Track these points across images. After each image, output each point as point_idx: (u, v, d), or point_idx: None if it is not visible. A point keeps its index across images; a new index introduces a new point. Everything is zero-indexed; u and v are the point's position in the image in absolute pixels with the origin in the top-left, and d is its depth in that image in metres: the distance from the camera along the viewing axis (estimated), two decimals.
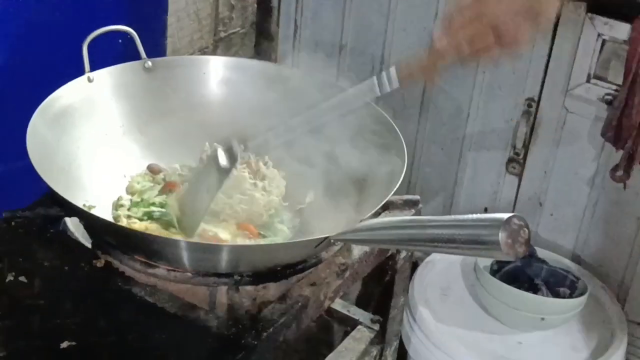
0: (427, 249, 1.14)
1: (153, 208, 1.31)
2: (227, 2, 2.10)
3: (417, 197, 1.40)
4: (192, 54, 1.99)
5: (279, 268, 1.19)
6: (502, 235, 0.93)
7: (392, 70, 1.21)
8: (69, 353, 1.02)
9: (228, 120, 1.47)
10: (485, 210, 1.98)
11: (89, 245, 1.22)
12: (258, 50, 2.22)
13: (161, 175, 1.40)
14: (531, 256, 1.79)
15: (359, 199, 1.34)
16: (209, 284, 1.16)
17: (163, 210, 1.30)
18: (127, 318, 1.11)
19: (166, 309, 1.12)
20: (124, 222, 1.28)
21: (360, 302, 1.82)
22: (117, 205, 1.33)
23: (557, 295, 1.71)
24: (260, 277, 1.17)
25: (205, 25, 2.06)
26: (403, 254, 1.43)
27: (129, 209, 1.32)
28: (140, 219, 1.29)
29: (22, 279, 1.12)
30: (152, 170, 1.41)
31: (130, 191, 1.37)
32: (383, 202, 1.20)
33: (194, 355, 1.05)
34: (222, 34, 2.12)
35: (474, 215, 0.98)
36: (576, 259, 1.88)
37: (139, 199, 1.34)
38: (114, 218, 1.30)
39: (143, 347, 1.06)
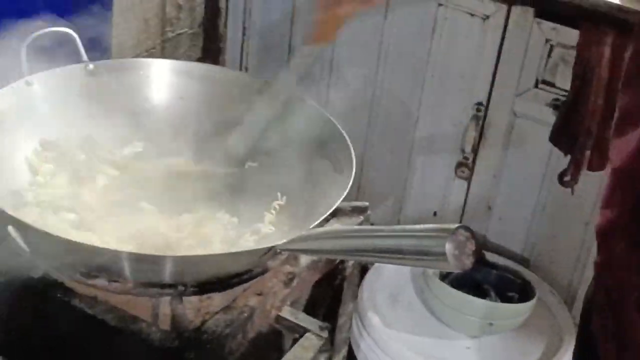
0: (374, 259, 1.13)
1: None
2: (175, 2, 2.07)
3: (366, 203, 1.38)
4: (138, 54, 1.95)
5: (224, 278, 1.16)
6: (448, 247, 0.92)
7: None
8: None
9: (174, 126, 1.44)
10: (435, 215, 1.97)
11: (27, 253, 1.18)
12: (206, 52, 2.18)
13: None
14: (480, 260, 1.79)
15: (306, 205, 1.32)
16: (151, 295, 1.13)
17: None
18: (66, 331, 1.08)
19: (107, 321, 1.09)
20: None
21: (309, 307, 1.80)
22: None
23: (505, 299, 1.71)
24: (205, 287, 1.14)
25: (152, 25, 2.02)
26: (351, 261, 1.42)
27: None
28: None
29: None
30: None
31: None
32: (330, 211, 1.18)
33: None
34: (170, 35, 2.08)
35: (421, 226, 0.97)
36: (525, 263, 1.88)
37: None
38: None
39: None
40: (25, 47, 1.29)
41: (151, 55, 1.99)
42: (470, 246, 0.94)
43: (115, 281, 1.12)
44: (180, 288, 1.12)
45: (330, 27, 1.31)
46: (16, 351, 1.01)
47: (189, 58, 2.13)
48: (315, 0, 1.29)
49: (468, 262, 0.94)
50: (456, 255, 0.92)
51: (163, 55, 2.05)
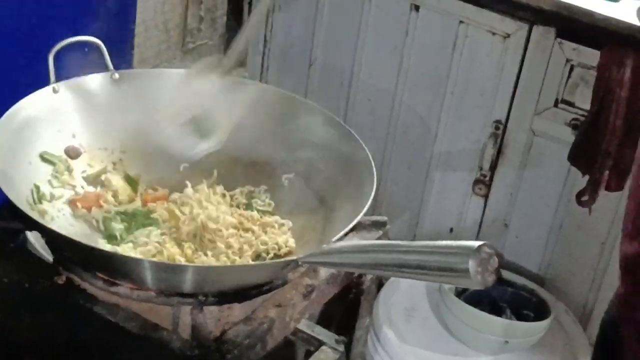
0: (395, 274, 1.14)
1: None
2: (196, 13, 2.09)
3: (385, 218, 1.39)
4: (159, 65, 1.96)
5: (244, 289, 1.17)
6: (472, 264, 0.92)
7: None
8: None
9: (195, 136, 1.45)
10: (451, 231, 1.98)
11: (51, 260, 1.19)
12: None
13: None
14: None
15: (327, 218, 1.33)
16: (172, 304, 1.14)
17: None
18: (88, 337, 1.09)
19: (128, 328, 1.10)
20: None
21: (323, 320, 1.80)
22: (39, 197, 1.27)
23: (521, 317, 1.71)
24: (225, 297, 1.15)
25: (173, 36, 2.04)
26: (370, 276, 1.42)
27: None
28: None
29: None
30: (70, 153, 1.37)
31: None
32: (352, 225, 1.18)
33: None
34: (190, 45, 2.10)
35: (444, 242, 0.97)
36: (540, 281, 1.88)
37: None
38: (40, 212, 1.25)
39: None
40: (53, 55, 1.30)
41: (171, 65, 2.01)
42: (493, 263, 0.95)
43: (137, 289, 1.13)
44: (201, 298, 1.13)
45: None
46: (39, 356, 1.01)
47: None
48: None
49: (490, 279, 0.95)
50: (479, 272, 0.93)
51: (183, 66, 2.06)
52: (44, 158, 1.29)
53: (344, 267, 1.19)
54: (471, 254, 0.93)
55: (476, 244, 0.93)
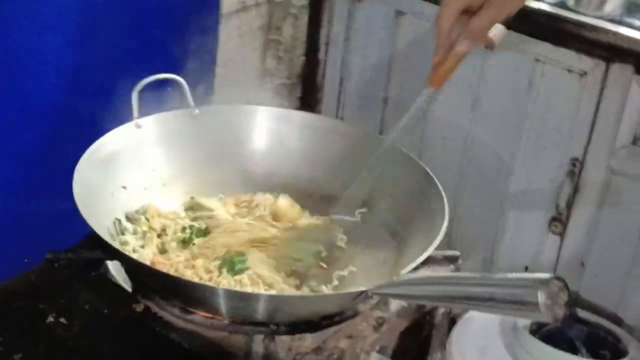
0: (465, 306, 1.14)
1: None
2: (275, 54, 2.14)
3: (457, 252, 1.40)
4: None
5: (315, 319, 1.19)
6: (541, 297, 0.92)
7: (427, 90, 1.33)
8: None
9: (272, 170, 1.49)
10: (526, 269, 1.96)
11: (129, 289, 1.23)
12: (304, 102, 2.24)
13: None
14: (572, 317, 1.77)
15: (398, 252, 1.34)
16: (245, 333, 1.16)
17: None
18: None
19: (202, 355, 1.12)
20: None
21: (397, 357, 1.80)
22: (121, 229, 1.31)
23: (597, 357, 1.68)
24: (297, 327, 1.17)
25: (252, 75, 2.09)
26: (441, 310, 1.42)
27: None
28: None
29: (62, 320, 1.14)
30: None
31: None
32: (423, 258, 1.19)
33: None
34: (269, 85, 2.15)
35: (514, 275, 0.98)
36: (618, 321, 1.85)
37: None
38: (121, 243, 1.29)
39: None
40: (137, 92, 1.36)
41: (250, 104, 2.06)
42: (563, 297, 0.94)
43: (211, 317, 1.16)
44: (273, 327, 1.15)
45: (447, 69, 1.32)
46: None
47: (287, 108, 2.19)
48: (435, 41, 1.30)
49: (560, 312, 0.94)
50: (549, 305, 0.93)
51: (262, 104, 2.11)
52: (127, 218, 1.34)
53: (413, 299, 1.19)
54: (540, 286, 0.93)
55: (546, 276, 0.93)
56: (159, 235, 1.33)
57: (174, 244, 1.32)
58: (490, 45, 1.33)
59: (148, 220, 1.34)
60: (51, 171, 1.35)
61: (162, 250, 1.30)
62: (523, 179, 1.93)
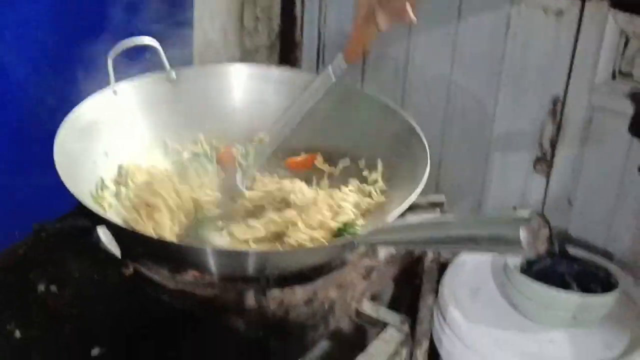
0: (451, 248, 1.16)
1: None
2: (252, 14, 2.12)
3: (442, 197, 1.41)
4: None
5: (305, 271, 1.20)
6: (523, 234, 0.94)
7: (339, 55, 1.41)
8: (100, 359, 1.05)
9: (253, 128, 1.49)
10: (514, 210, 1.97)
11: (119, 255, 1.24)
12: (284, 60, 2.23)
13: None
14: (562, 254, 1.78)
15: (383, 200, 1.35)
16: (236, 289, 1.17)
17: None
18: (157, 324, 1.13)
19: (194, 314, 1.14)
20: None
21: (392, 306, 1.82)
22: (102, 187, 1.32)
23: (589, 292, 1.69)
24: (287, 280, 1.18)
25: (231, 37, 2.08)
26: (430, 255, 1.44)
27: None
28: None
29: (53, 288, 1.15)
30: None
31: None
32: (407, 204, 1.20)
33: (223, 359, 1.07)
34: (248, 45, 2.14)
35: (495, 214, 0.99)
36: (608, 256, 1.87)
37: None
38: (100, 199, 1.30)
39: (173, 352, 1.07)
40: (112, 58, 1.35)
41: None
42: (545, 232, 0.96)
43: (201, 276, 1.18)
44: (263, 282, 1.16)
45: (364, 44, 1.38)
46: (112, 343, 1.06)
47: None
48: (353, 15, 1.36)
49: (542, 247, 0.96)
50: (530, 242, 0.94)
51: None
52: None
53: (399, 245, 1.21)
54: (521, 223, 0.94)
55: (526, 213, 0.95)
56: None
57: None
58: (410, 22, 1.33)
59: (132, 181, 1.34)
60: (33, 144, 1.35)
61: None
62: (506, 122, 1.93)
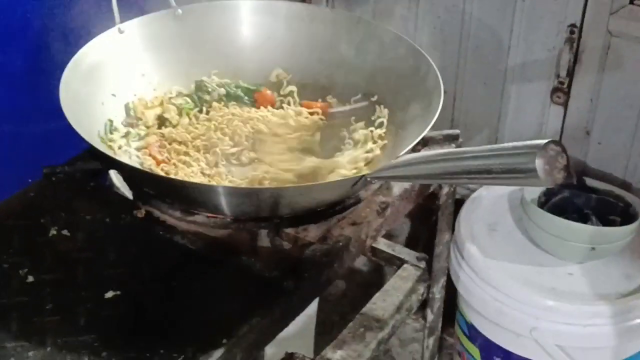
0: (465, 181, 1.12)
1: None
2: None
3: (457, 131, 1.38)
4: None
5: (318, 209, 1.18)
6: (539, 162, 0.91)
7: None
8: (114, 302, 1.04)
9: (264, 65, 1.47)
10: None
11: (130, 197, 1.23)
12: None
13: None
14: (580, 186, 1.76)
15: (396, 137, 1.33)
16: (249, 229, 1.16)
17: None
18: (170, 266, 1.12)
19: (208, 255, 1.13)
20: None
21: (410, 245, 1.81)
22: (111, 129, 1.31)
23: (607, 224, 1.67)
24: (300, 219, 1.17)
25: None
26: (445, 190, 1.42)
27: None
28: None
29: (65, 232, 1.14)
30: None
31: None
32: (420, 137, 1.18)
33: (237, 299, 1.06)
34: None
35: (510, 144, 0.96)
36: (626, 187, 1.84)
37: None
38: (109, 142, 1.28)
39: (186, 293, 1.07)
40: None
41: None
42: (562, 160, 0.93)
43: (214, 216, 1.16)
44: (277, 220, 1.15)
45: None
46: (126, 286, 1.06)
47: None
48: None
49: (560, 176, 0.93)
50: (547, 170, 0.92)
51: None
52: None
53: (412, 179, 1.18)
54: (538, 152, 0.91)
55: (542, 142, 0.92)
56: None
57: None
58: None
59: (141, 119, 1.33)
60: (40, 88, 1.33)
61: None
62: (522, 51, 1.89)
